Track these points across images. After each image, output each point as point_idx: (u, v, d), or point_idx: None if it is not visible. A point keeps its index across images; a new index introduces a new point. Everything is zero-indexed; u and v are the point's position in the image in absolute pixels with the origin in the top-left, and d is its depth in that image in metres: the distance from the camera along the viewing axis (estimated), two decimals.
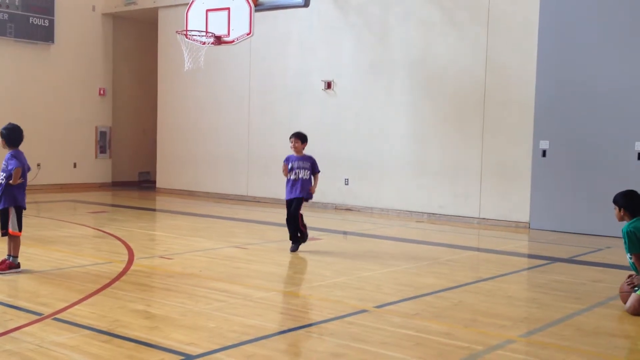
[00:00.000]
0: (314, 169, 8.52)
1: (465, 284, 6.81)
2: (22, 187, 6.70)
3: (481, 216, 12.05)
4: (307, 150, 13.10)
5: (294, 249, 8.39)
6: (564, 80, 11.11)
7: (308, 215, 11.32)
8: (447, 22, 12.44)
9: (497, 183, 11.88)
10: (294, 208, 8.40)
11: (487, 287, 6.67)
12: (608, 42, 10.76)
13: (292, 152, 8.64)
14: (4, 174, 6.63)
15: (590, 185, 10.79)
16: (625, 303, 5.81)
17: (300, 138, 8.56)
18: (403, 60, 12.92)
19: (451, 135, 12.38)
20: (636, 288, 5.75)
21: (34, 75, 16.27)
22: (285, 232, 9.20)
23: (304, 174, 8.43)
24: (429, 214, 12.63)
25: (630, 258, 5.81)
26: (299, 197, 8.39)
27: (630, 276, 5.93)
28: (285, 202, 8.56)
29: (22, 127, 6.90)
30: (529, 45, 11.47)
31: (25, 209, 6.78)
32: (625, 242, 5.76)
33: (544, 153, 11.29)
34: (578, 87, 10.97)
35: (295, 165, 8.47)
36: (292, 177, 8.44)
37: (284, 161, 8.57)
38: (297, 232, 8.49)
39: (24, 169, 6.69)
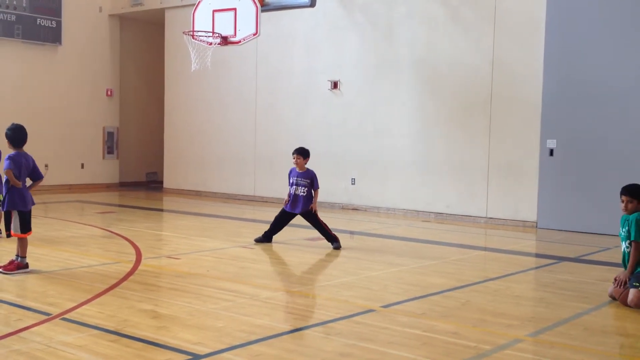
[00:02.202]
0: (313, 185, 8.71)
1: (473, 283, 6.80)
2: (23, 189, 6.70)
3: (488, 215, 12.03)
4: (315, 151, 13.15)
5: (336, 247, 8.64)
6: (571, 79, 11.07)
7: None
8: (453, 20, 12.42)
9: (504, 182, 11.85)
10: (315, 223, 8.74)
11: (494, 287, 6.66)
12: (615, 39, 10.71)
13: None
14: (7, 177, 6.66)
15: (597, 184, 10.74)
16: (624, 302, 5.88)
17: (302, 154, 8.78)
18: (409, 58, 12.91)
19: (457, 134, 12.36)
20: (636, 284, 5.81)
21: (42, 77, 16.34)
22: (292, 232, 9.21)
23: (302, 191, 8.69)
24: (435, 213, 12.61)
25: (628, 247, 5.96)
26: (308, 211, 8.70)
27: (615, 279, 6.08)
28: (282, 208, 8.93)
29: (29, 128, 6.94)
30: (536, 42, 11.44)
31: (27, 210, 6.75)
32: (632, 229, 5.90)
33: (551, 152, 11.26)
34: (585, 85, 10.93)
35: (295, 181, 8.75)
36: (292, 191, 8.72)
37: (288, 174, 8.91)
38: (274, 232, 8.94)
39: (19, 171, 6.64)
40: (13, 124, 6.87)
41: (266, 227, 9.11)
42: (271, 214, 9.09)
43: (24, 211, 6.69)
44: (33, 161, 6.86)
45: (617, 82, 10.66)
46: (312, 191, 8.71)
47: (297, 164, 8.75)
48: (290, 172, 8.88)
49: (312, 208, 8.67)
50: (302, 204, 8.68)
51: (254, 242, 8.93)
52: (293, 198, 8.72)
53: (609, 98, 10.72)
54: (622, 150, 10.59)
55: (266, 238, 8.92)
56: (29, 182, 6.87)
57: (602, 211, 10.55)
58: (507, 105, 11.79)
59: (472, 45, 12.16)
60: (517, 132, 11.69)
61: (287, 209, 8.80)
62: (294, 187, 8.72)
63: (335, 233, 9.05)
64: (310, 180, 8.70)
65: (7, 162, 6.62)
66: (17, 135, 6.74)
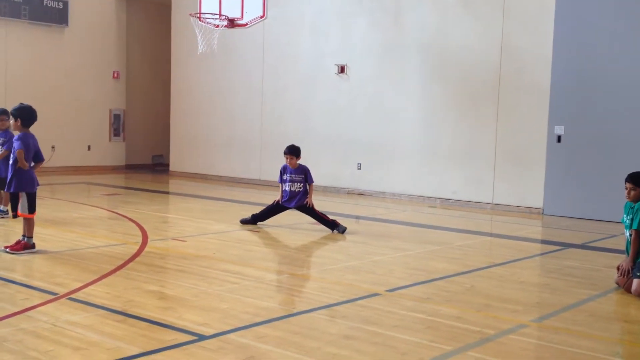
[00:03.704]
0: (307, 179, 8.82)
1: (478, 269, 6.80)
2: (30, 170, 6.71)
3: (494, 202, 12.01)
4: (321, 135, 13.14)
5: (342, 230, 8.65)
6: (581, 65, 11.00)
7: (320, 199, 11.36)
8: (462, 5, 12.32)
9: (511, 168, 11.82)
10: (313, 215, 8.80)
11: (499, 272, 6.66)
12: (625, 25, 10.62)
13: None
14: (14, 157, 6.66)
15: (605, 172, 10.70)
16: (628, 291, 5.89)
17: (294, 153, 8.89)
18: (417, 44, 12.84)
19: (465, 120, 12.31)
20: (639, 273, 5.78)
21: (48, 58, 16.32)
22: (298, 216, 9.22)
23: (297, 187, 8.78)
24: (441, 199, 12.60)
25: (631, 235, 5.95)
26: (303, 205, 8.78)
27: (618, 268, 6.10)
28: (278, 200, 8.98)
29: (36, 109, 6.93)
30: (545, 28, 11.35)
31: (33, 191, 6.76)
32: (636, 218, 5.90)
33: (559, 139, 11.21)
34: (594, 71, 10.86)
35: (289, 177, 8.84)
36: (287, 188, 8.83)
37: (280, 171, 8.97)
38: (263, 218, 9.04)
39: (27, 152, 6.66)
40: (21, 104, 6.88)
41: None
42: (277, 198, 9.08)
43: (31, 192, 6.72)
44: (37, 142, 6.87)
45: (626, 69, 10.57)
46: (307, 186, 8.82)
47: (290, 164, 8.86)
48: (284, 169, 8.94)
49: (307, 203, 8.75)
50: (298, 198, 8.80)
51: (240, 222, 9.01)
52: (290, 194, 8.82)
53: (618, 85, 10.65)
54: (630, 137, 10.53)
55: (253, 220, 9.01)
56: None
57: (609, 198, 10.51)
58: (515, 91, 11.73)
59: (481, 31, 12.07)
60: (525, 119, 11.64)
61: (284, 204, 8.90)
62: (289, 183, 8.81)
63: (341, 218, 9.06)
64: (304, 175, 8.83)
65: (18, 142, 6.63)
66: (26, 115, 6.75)
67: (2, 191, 8.74)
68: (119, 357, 3.86)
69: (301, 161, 9.06)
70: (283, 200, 8.87)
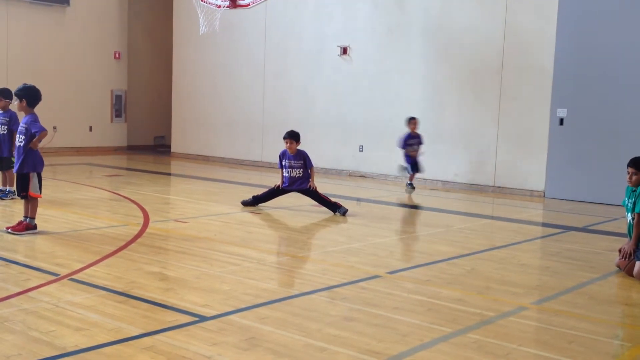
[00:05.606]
0: (306, 165, 8.90)
1: (479, 251, 6.81)
2: (38, 151, 6.73)
3: (496, 184, 11.99)
4: (323, 117, 13.09)
5: (343, 212, 8.67)
6: (585, 47, 10.92)
7: (322, 181, 11.35)
8: None
9: (513, 151, 11.79)
10: (315, 197, 8.83)
11: (500, 255, 6.67)
12: (630, 7, 10.53)
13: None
14: (23, 136, 6.65)
15: (607, 155, 10.67)
16: (629, 274, 5.89)
17: (294, 138, 8.92)
18: (420, 25, 12.75)
19: (467, 102, 12.26)
20: None
21: (50, 38, 16.25)
22: (299, 198, 9.22)
23: (297, 173, 8.86)
24: (443, 181, 12.59)
25: (633, 219, 5.94)
26: (306, 189, 8.84)
27: (619, 250, 6.09)
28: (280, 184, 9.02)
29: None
30: (550, 10, 11.26)
31: (41, 171, 6.82)
32: (638, 201, 5.89)
33: (561, 121, 11.17)
34: (598, 54, 10.79)
35: (288, 164, 8.91)
36: (286, 174, 8.90)
37: (280, 157, 9.02)
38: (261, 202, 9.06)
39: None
40: (25, 84, 6.85)
41: None
42: (278, 179, 9.09)
43: (40, 172, 6.76)
44: None
45: (630, 51, 10.50)
46: (308, 171, 8.89)
47: (290, 148, 8.88)
48: (284, 155, 8.98)
49: (311, 186, 8.81)
50: (298, 183, 8.88)
51: (241, 204, 9.04)
52: (290, 180, 8.89)
53: (622, 67, 10.58)
54: (633, 121, 10.49)
55: (254, 201, 9.05)
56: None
57: (611, 181, 10.50)
58: (519, 73, 11.66)
59: (485, 12, 11.98)
60: (528, 101, 11.59)
61: (287, 187, 8.96)
62: (289, 169, 8.87)
63: (343, 200, 9.07)
64: (303, 161, 8.89)
65: (39, 124, 6.64)
66: (31, 95, 6.73)
67: (6, 172, 8.74)
68: (120, 337, 3.88)
69: (303, 143, 9.06)
70: (284, 185, 8.94)
